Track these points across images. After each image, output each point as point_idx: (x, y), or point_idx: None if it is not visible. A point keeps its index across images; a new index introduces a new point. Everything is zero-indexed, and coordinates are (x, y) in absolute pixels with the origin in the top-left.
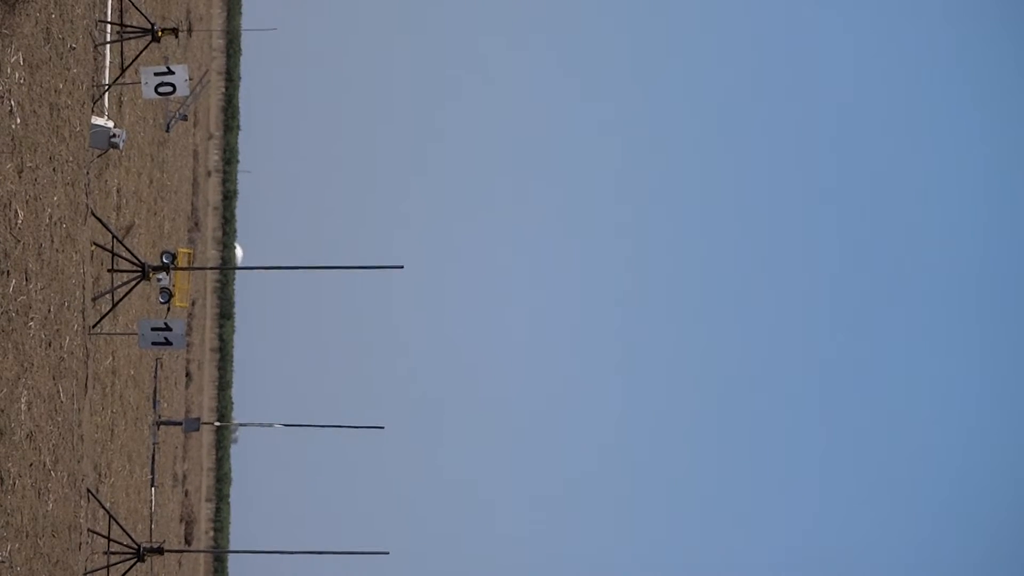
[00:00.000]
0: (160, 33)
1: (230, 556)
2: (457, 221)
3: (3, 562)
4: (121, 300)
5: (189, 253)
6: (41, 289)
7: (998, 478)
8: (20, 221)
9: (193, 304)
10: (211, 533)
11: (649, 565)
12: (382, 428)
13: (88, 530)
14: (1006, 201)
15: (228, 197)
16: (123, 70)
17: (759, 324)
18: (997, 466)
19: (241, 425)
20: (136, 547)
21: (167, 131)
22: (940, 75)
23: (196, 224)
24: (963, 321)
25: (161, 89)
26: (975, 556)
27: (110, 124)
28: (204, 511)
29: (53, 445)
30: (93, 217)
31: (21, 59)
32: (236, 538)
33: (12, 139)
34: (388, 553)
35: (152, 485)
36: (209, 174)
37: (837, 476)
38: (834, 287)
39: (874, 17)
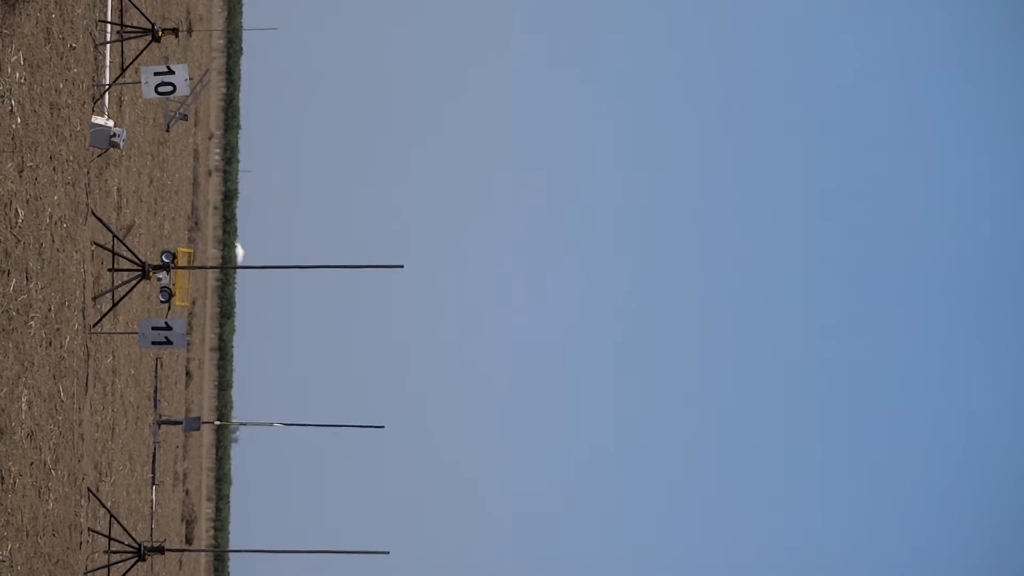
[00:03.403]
0: (160, 33)
1: (231, 556)
2: (457, 221)
3: (3, 561)
4: (121, 299)
5: (189, 252)
6: (41, 288)
7: (998, 478)
8: (20, 220)
9: (193, 303)
10: (211, 532)
11: (649, 564)
12: (382, 427)
13: (89, 529)
14: (1007, 201)
15: (228, 196)
16: (123, 70)
17: (759, 324)
18: (997, 466)
19: (241, 424)
20: (137, 546)
21: (167, 131)
22: (940, 75)
23: (196, 224)
24: (963, 321)
25: (161, 89)
26: (975, 556)
27: (110, 123)
28: (204, 510)
29: (53, 444)
30: (93, 216)
31: (21, 59)
32: (236, 537)
33: (12, 138)
34: (388, 553)
35: (153, 484)
36: (210, 173)
37: (837, 476)
38: (834, 286)
39: (874, 16)
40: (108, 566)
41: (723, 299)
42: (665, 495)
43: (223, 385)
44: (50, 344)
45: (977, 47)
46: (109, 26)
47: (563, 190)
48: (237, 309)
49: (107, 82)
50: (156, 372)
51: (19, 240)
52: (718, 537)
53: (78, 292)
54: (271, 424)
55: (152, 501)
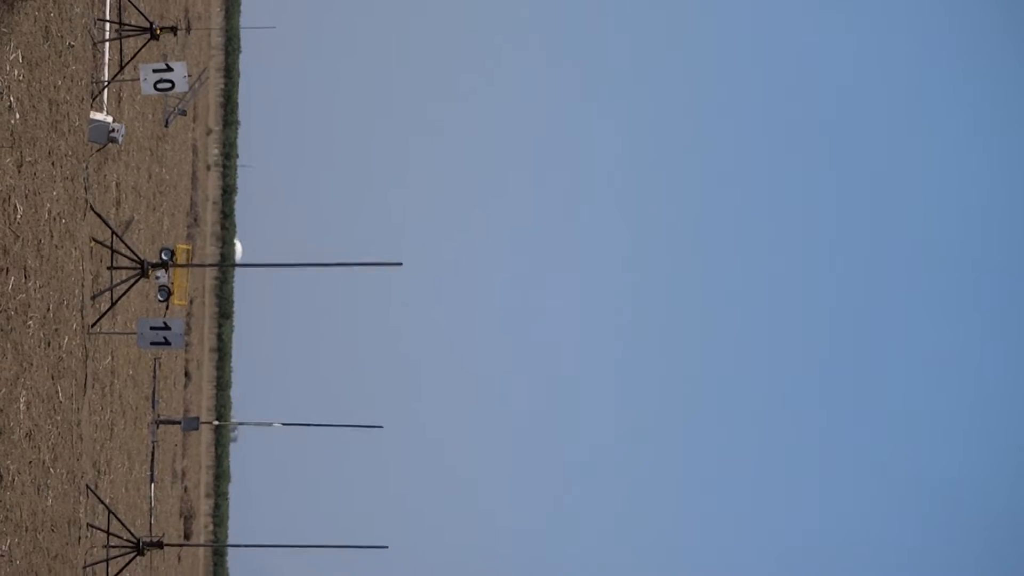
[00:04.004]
0: (159, 31)
1: (230, 551)
2: (456, 219)
3: (3, 556)
4: (120, 298)
5: (188, 249)
6: (40, 287)
7: (998, 478)
8: (19, 216)
9: (191, 303)
10: (210, 528)
11: (649, 564)
12: (381, 427)
13: (87, 525)
14: (1007, 201)
15: (227, 192)
16: (122, 67)
17: (759, 323)
18: (997, 466)
19: (240, 424)
20: (135, 541)
21: (166, 126)
22: (940, 75)
23: (195, 219)
24: (963, 320)
25: (160, 85)
26: (976, 556)
27: (109, 119)
28: (203, 507)
29: (52, 444)
30: (92, 212)
31: (20, 56)
32: (235, 534)
33: (11, 134)
34: (387, 547)
35: (151, 481)
36: (208, 168)
37: (837, 476)
38: (834, 285)
39: (874, 17)
40: (107, 560)
41: (723, 296)
42: (665, 494)
43: (222, 385)
44: (48, 344)
45: (977, 47)
46: (108, 24)
47: (563, 189)
48: (236, 308)
49: (106, 79)
50: (155, 372)
51: (18, 236)
52: (718, 537)
53: (77, 291)
54: (270, 424)
55: (151, 497)
